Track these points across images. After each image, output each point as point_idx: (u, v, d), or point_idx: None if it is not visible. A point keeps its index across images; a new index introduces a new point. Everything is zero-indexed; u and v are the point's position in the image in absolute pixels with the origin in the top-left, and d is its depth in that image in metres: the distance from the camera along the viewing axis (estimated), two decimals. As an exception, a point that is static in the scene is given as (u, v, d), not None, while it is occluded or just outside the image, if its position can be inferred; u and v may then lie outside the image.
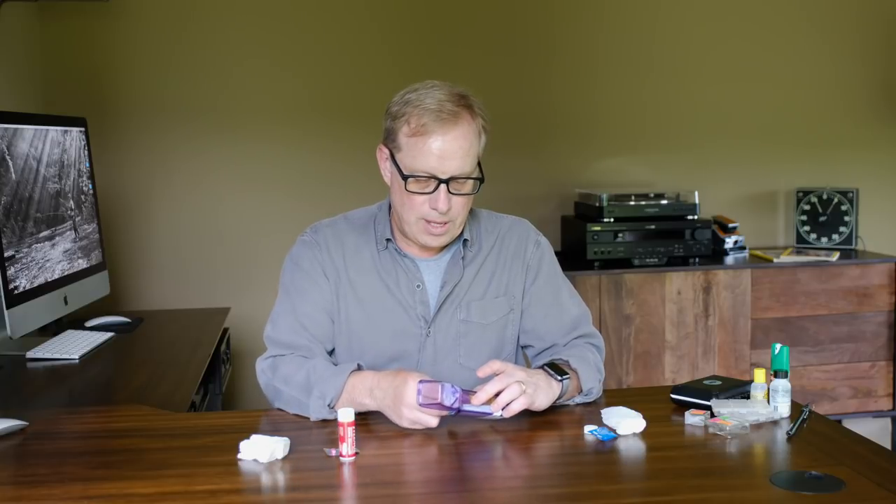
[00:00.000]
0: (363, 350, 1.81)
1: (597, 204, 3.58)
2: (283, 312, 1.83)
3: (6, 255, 2.24)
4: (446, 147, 1.69)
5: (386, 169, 1.80)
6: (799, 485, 1.35)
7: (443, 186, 1.70)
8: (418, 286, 1.82)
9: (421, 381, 1.57)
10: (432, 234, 1.75)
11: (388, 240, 1.83)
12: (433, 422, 1.58)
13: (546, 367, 1.72)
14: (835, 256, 3.70)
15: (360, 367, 1.71)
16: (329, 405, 1.65)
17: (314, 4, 3.63)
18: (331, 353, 1.84)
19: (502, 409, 1.60)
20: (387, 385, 1.62)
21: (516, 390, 1.60)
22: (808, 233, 3.93)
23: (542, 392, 1.64)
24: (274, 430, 1.57)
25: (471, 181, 1.74)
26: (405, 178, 1.72)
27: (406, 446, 1.55)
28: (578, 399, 1.75)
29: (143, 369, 2.30)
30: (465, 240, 1.84)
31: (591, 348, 1.87)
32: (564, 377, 1.70)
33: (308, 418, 1.67)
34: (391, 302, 1.82)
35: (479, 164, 1.76)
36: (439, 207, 1.70)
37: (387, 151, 1.78)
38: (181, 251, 3.62)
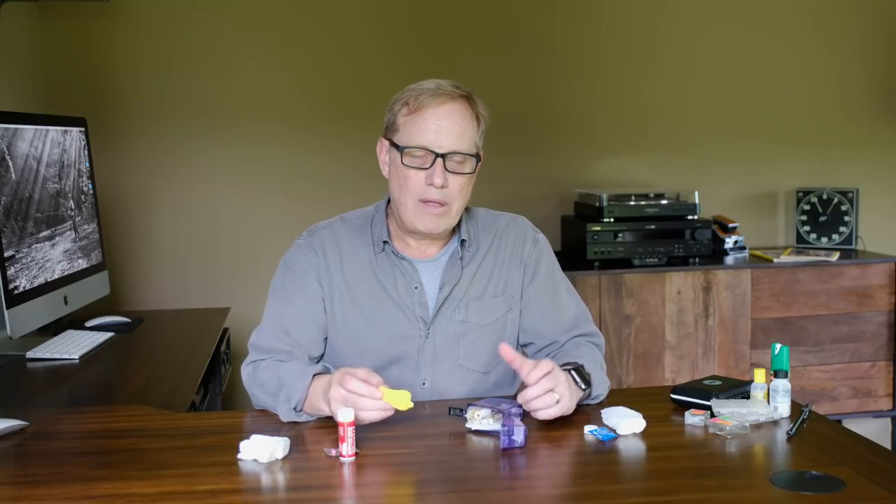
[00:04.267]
0: (362, 353, 1.81)
1: (597, 204, 3.58)
2: (268, 317, 1.83)
3: (6, 255, 2.24)
4: (442, 122, 1.72)
5: (385, 162, 1.81)
6: (799, 485, 1.35)
7: (439, 161, 1.72)
8: (416, 288, 1.82)
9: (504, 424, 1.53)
10: (430, 213, 1.75)
11: (384, 242, 1.83)
12: (365, 413, 1.51)
13: (573, 372, 1.68)
14: (835, 256, 3.70)
15: (327, 370, 1.68)
16: (294, 408, 1.64)
17: (314, 6, 3.63)
18: (319, 358, 1.84)
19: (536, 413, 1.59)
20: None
21: (550, 399, 1.58)
22: (808, 233, 3.93)
23: (573, 400, 1.64)
24: (274, 430, 1.57)
25: (469, 161, 1.75)
26: (401, 150, 1.73)
27: (406, 446, 1.55)
28: (584, 401, 1.75)
29: (143, 369, 2.30)
30: (463, 240, 1.84)
31: (595, 349, 1.87)
32: (587, 388, 1.68)
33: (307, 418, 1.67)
34: (389, 304, 1.82)
35: (478, 153, 1.77)
36: (435, 182, 1.71)
37: (386, 142, 1.79)
38: (181, 251, 3.62)
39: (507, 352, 1.61)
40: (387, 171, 1.81)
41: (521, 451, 1.51)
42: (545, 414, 1.58)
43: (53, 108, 3.37)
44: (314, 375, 1.65)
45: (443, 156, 1.72)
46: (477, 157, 1.77)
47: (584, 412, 1.70)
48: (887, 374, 3.70)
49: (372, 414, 1.53)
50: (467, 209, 1.89)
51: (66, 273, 2.58)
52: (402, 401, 1.53)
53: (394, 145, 1.76)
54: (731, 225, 3.86)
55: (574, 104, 3.86)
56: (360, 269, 1.83)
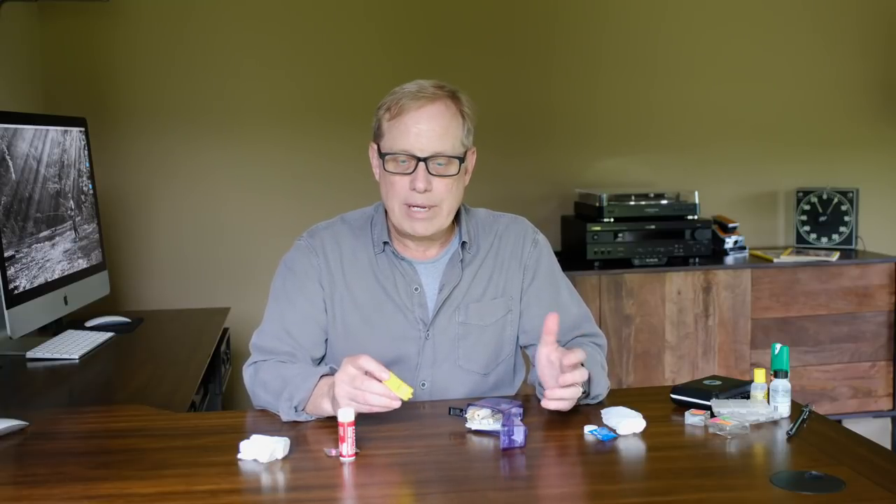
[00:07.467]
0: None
1: (597, 204, 3.58)
2: (270, 319, 1.83)
3: (6, 255, 2.24)
4: (422, 126, 1.70)
5: (375, 165, 1.80)
6: (799, 485, 1.35)
7: (421, 165, 1.71)
8: (416, 289, 1.82)
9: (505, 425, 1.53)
10: (415, 218, 1.74)
11: (385, 243, 1.83)
12: (371, 396, 1.51)
13: None
14: (835, 256, 3.70)
15: (334, 372, 1.67)
16: (296, 407, 1.64)
17: (313, 6, 3.63)
18: (320, 360, 1.83)
19: (553, 400, 1.60)
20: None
21: (576, 392, 1.61)
22: (808, 233, 3.93)
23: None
24: (274, 430, 1.57)
25: (453, 163, 1.73)
26: (385, 156, 1.73)
27: (406, 446, 1.55)
28: (583, 401, 1.74)
29: (143, 369, 2.30)
30: (464, 242, 1.84)
31: (598, 350, 1.86)
32: (584, 390, 1.68)
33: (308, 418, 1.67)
34: (389, 306, 1.82)
35: (465, 154, 1.75)
36: (417, 186, 1.71)
37: (375, 147, 1.79)
38: (181, 251, 3.62)
39: (553, 323, 1.61)
40: (378, 175, 1.81)
41: (521, 451, 1.51)
42: (562, 405, 1.59)
43: (53, 108, 3.37)
44: (321, 377, 1.64)
45: (425, 159, 1.71)
46: (462, 157, 1.75)
47: (584, 412, 1.70)
48: (887, 374, 3.70)
49: (374, 398, 1.52)
50: (467, 210, 1.89)
51: (66, 273, 2.58)
52: (404, 390, 1.53)
53: (379, 151, 1.76)
54: (731, 225, 3.86)
55: (574, 104, 3.86)
56: (360, 269, 1.83)
